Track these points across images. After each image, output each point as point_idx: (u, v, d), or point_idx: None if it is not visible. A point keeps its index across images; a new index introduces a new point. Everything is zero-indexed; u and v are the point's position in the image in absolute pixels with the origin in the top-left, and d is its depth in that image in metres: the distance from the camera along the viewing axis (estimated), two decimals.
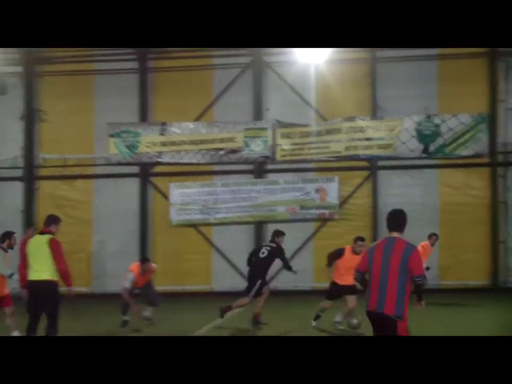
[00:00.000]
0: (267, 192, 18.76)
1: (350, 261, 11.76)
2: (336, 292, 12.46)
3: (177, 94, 19.12)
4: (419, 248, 15.70)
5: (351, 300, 12.23)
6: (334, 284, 12.53)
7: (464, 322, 13.19)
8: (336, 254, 12.37)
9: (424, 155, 18.54)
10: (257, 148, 18.79)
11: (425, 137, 18.47)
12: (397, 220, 7.36)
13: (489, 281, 18.48)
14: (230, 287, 18.78)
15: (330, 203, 18.66)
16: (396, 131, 18.48)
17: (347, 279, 11.70)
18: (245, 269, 18.70)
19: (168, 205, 19.02)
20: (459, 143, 18.43)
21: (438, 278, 18.54)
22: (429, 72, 18.59)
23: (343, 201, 18.79)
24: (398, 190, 18.65)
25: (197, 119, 19.10)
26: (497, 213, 18.46)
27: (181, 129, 18.94)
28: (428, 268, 15.93)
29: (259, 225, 19.01)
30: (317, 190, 18.68)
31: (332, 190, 18.65)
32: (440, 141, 18.45)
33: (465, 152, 18.43)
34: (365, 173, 18.87)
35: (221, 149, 18.86)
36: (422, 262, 7.12)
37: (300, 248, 18.91)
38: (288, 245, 18.61)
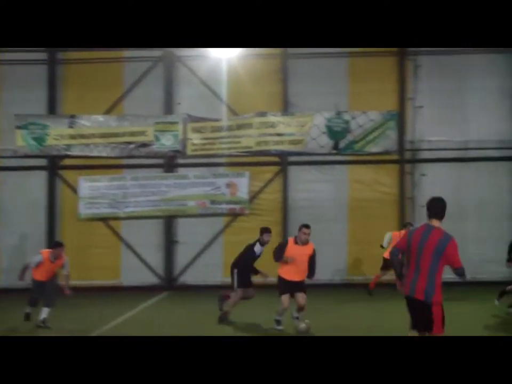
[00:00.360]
0: (177, 187, 18.64)
1: (296, 251, 11.56)
2: (286, 287, 11.77)
3: (87, 87, 18.84)
4: (395, 233, 16.23)
5: (301, 297, 11.77)
6: (281, 280, 11.88)
7: (373, 317, 13.43)
8: (282, 248, 11.83)
9: (334, 151, 18.69)
10: (167, 142, 18.65)
11: (335, 134, 18.62)
12: (437, 207, 7.56)
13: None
14: (139, 281, 18.68)
15: (241, 198, 18.66)
16: (307, 127, 18.58)
17: (294, 275, 11.64)
18: (154, 263, 18.76)
19: (76, 198, 18.74)
20: (368, 140, 18.64)
21: (346, 274, 18.73)
22: (340, 69, 18.72)
23: (254, 196, 18.81)
24: (308, 186, 18.79)
25: (107, 112, 18.85)
26: (404, 209, 18.71)
27: (91, 122, 18.66)
28: None
29: (169, 220, 18.89)
30: (228, 185, 18.65)
31: (243, 185, 18.66)
32: (350, 137, 18.64)
33: (374, 149, 18.66)
34: (276, 168, 18.92)
35: (131, 143, 18.67)
36: (458, 253, 7.39)
37: (210, 243, 18.84)
38: (198, 240, 18.73)
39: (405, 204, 18.74)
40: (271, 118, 18.60)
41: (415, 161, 18.85)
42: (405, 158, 18.78)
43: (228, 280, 18.21)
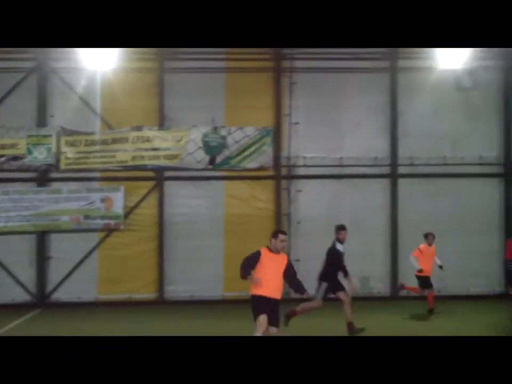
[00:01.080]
0: (50, 201, 18.23)
1: (272, 263, 10.21)
2: (264, 306, 10.02)
3: None
4: (416, 252, 16.27)
5: (277, 331, 10.21)
6: (257, 298, 10.13)
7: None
8: (252, 260, 10.29)
9: (210, 166, 18.65)
10: (40, 155, 18.24)
11: (211, 149, 18.59)
12: None
13: None
14: (10, 298, 18.21)
15: (116, 213, 18.40)
16: (183, 142, 18.50)
17: (272, 291, 10.13)
18: (26, 280, 18.28)
19: None
20: (245, 155, 18.68)
21: (223, 289, 18.67)
22: (217, 84, 18.70)
23: (129, 211, 18.57)
24: (184, 201, 18.68)
25: None
26: (280, 225, 18.79)
27: None
28: (441, 267, 16.66)
29: (42, 235, 18.45)
30: (102, 200, 18.36)
31: (118, 199, 18.40)
32: (226, 152, 18.64)
33: (250, 165, 18.70)
34: (151, 183, 18.74)
35: (1, 156, 18.19)
36: None
37: (84, 258, 18.49)
38: (72, 255, 18.39)
39: (281, 219, 18.84)
40: (147, 133, 18.43)
41: (291, 177, 18.98)
42: (281, 174, 18.89)
43: (103, 296, 18.14)
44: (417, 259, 16.41)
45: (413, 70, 18.88)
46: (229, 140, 18.60)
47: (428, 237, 16.64)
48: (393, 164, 19.05)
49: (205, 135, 18.55)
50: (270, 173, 18.86)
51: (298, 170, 19.04)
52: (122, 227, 18.46)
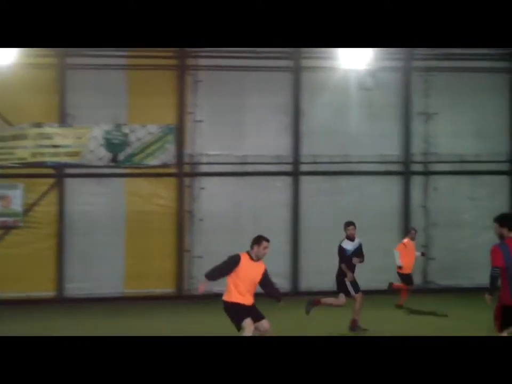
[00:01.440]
0: None
1: (250, 271, 9.63)
2: (245, 312, 9.60)
3: None
4: (400, 246, 16.26)
5: (266, 323, 9.90)
6: (236, 305, 9.64)
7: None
8: (230, 266, 9.61)
9: (112, 164, 18.58)
10: None
11: (113, 146, 18.52)
12: None
13: (175, 288, 18.86)
14: None
15: (14, 210, 18.21)
16: (84, 139, 18.38)
17: (249, 298, 9.70)
18: None
19: None
20: (147, 153, 18.67)
21: (123, 287, 18.65)
22: (119, 81, 18.62)
23: (28, 209, 18.39)
24: (85, 198, 18.56)
25: None
26: (183, 222, 18.86)
27: None
28: (423, 254, 17.29)
29: None
30: (0, 197, 18.15)
31: (16, 197, 18.21)
32: (128, 150, 18.59)
33: (153, 162, 18.71)
34: (51, 180, 18.57)
35: None
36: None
37: None
38: None
39: (183, 217, 18.88)
40: (47, 129, 18.26)
41: (194, 174, 19.03)
42: (184, 172, 18.93)
43: (6, 295, 17.83)
44: (400, 254, 16.36)
45: (316, 70, 19.10)
46: (132, 138, 18.57)
47: (411, 231, 16.76)
48: (296, 162, 19.27)
49: (107, 133, 18.47)
50: (173, 170, 18.91)
51: (201, 168, 19.12)
52: (21, 225, 18.28)
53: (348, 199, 19.31)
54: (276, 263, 18.74)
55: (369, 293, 18.64)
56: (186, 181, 18.99)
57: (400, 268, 16.39)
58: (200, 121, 18.96)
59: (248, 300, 9.62)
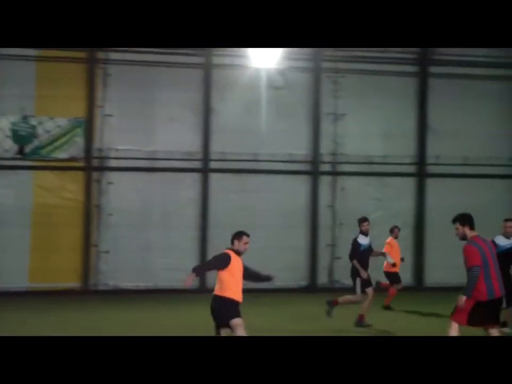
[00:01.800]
0: None
1: (238, 267, 9.47)
2: (238, 310, 9.42)
3: None
4: (386, 247, 16.20)
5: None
6: (232, 302, 9.37)
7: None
8: (222, 263, 9.36)
9: (19, 156, 18.38)
10: None
11: (20, 138, 18.32)
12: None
13: (80, 283, 18.76)
14: None
15: None
16: None
17: (241, 295, 9.47)
18: None
19: None
20: (55, 145, 18.54)
21: (28, 280, 18.45)
22: (27, 72, 18.40)
23: None
24: None
25: None
26: (90, 217, 18.78)
27: None
28: (402, 259, 16.96)
29: None
30: None
31: None
32: (36, 142, 18.42)
33: (61, 155, 18.58)
34: None
35: None
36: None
37: None
38: None
39: (91, 211, 18.80)
40: None
41: (103, 168, 18.98)
42: (92, 166, 18.86)
43: None
44: (389, 253, 16.18)
45: (226, 67, 19.28)
46: (39, 130, 18.40)
47: (394, 230, 16.71)
48: (205, 158, 19.41)
49: (14, 124, 18.26)
50: (81, 164, 18.80)
51: (110, 162, 19.07)
52: None
53: (256, 197, 19.54)
54: (183, 260, 18.83)
55: (275, 291, 18.95)
56: (95, 175, 18.92)
57: (394, 265, 16.27)
58: (109, 115, 18.92)
59: (240, 298, 9.49)
